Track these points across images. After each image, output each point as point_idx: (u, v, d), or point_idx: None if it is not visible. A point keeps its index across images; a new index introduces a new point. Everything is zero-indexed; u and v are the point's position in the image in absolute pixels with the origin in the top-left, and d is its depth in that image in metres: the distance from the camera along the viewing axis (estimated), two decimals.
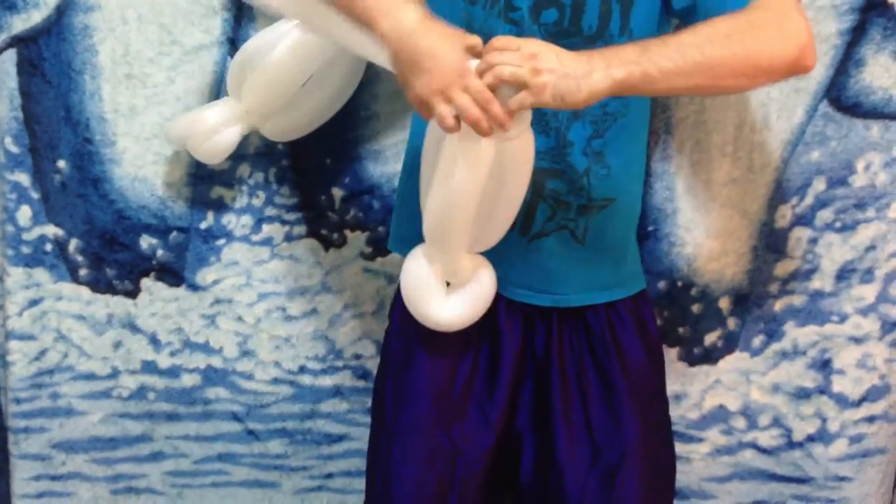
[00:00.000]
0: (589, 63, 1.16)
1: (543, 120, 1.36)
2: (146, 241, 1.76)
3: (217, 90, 1.70)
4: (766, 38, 1.21)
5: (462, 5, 1.28)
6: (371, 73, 1.66)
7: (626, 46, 1.20)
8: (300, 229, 1.78)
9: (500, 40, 1.18)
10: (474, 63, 1.18)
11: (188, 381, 1.83)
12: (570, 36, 1.33)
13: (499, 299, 1.45)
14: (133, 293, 1.78)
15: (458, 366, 1.50)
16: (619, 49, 1.20)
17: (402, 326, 1.48)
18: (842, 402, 1.82)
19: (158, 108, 1.70)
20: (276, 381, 1.85)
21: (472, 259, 1.37)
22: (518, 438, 1.53)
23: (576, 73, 1.15)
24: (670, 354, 1.81)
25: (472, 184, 1.24)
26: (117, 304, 1.78)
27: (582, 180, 1.39)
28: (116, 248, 1.76)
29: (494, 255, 1.39)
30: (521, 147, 1.25)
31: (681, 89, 1.22)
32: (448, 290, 1.38)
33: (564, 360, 1.50)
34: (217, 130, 1.61)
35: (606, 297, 1.49)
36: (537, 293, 1.46)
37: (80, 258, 1.75)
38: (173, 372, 1.83)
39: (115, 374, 1.81)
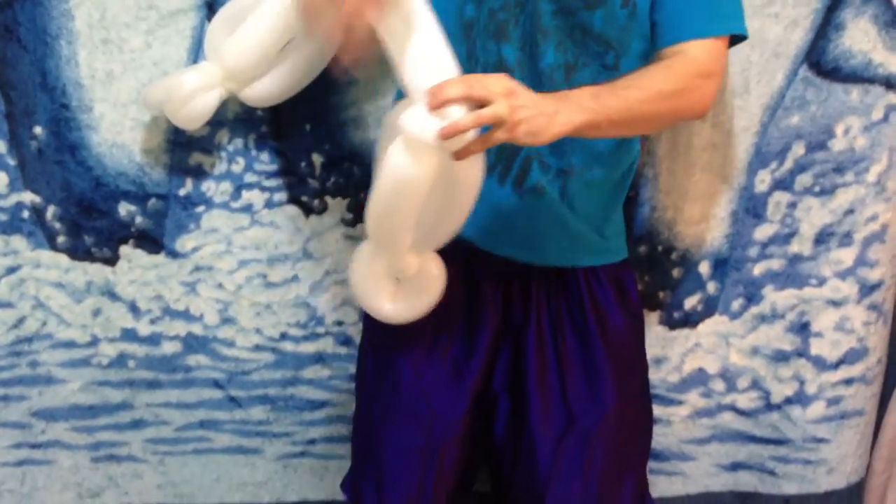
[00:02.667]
0: (555, 104, 1.19)
1: (539, 80, 1.37)
2: (124, 208, 1.75)
3: (195, 55, 1.68)
4: (687, 102, 1.32)
5: None
6: None
7: (582, 93, 1.24)
8: (280, 196, 1.77)
9: (469, 78, 1.18)
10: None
11: (169, 348, 1.83)
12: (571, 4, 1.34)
13: (479, 263, 1.47)
14: (112, 260, 1.77)
15: (437, 330, 1.51)
16: (577, 94, 1.23)
17: None
18: (820, 364, 1.84)
19: (136, 73, 1.68)
20: (257, 347, 1.84)
21: (419, 255, 1.36)
22: (494, 399, 1.55)
23: (546, 111, 1.18)
24: (650, 318, 1.82)
25: (412, 195, 1.22)
26: (96, 272, 1.77)
27: (565, 143, 1.37)
28: (94, 216, 1.74)
29: (484, 209, 1.38)
30: (470, 161, 1.23)
31: (611, 135, 1.34)
32: (396, 284, 1.38)
33: (542, 324, 1.51)
34: (195, 95, 1.59)
35: (587, 262, 1.51)
36: (520, 250, 1.47)
37: (57, 225, 1.74)
38: (153, 339, 1.82)
39: (94, 341, 1.80)
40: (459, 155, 1.19)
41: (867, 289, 1.80)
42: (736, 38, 1.40)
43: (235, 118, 1.72)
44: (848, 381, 1.85)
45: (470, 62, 1.39)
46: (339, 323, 1.84)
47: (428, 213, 1.28)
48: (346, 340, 1.84)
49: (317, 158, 1.76)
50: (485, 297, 1.51)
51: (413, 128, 1.17)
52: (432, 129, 1.15)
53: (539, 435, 1.51)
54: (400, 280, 1.38)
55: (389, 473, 1.53)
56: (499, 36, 1.37)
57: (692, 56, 1.32)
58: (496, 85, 1.16)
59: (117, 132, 1.71)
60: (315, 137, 1.74)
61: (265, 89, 1.63)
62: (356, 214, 1.79)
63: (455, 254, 1.42)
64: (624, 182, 1.53)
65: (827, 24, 1.68)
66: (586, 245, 1.50)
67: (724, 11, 1.36)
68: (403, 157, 1.19)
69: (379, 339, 1.56)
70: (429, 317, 1.48)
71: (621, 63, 1.38)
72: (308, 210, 1.78)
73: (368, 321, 1.59)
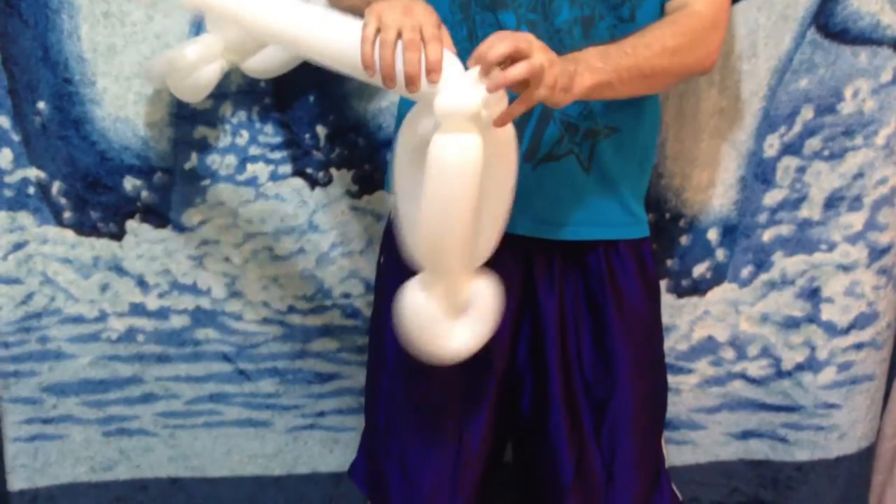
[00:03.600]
0: (573, 64, 1.20)
1: (557, 37, 1.35)
2: (130, 183, 1.75)
3: (197, 27, 1.67)
4: (694, 56, 1.34)
5: None
6: None
7: (590, 54, 1.24)
8: (285, 168, 1.77)
9: (502, 34, 1.16)
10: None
11: (177, 322, 1.83)
12: None
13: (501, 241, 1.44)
14: (118, 235, 1.77)
15: None
16: (585, 56, 1.23)
17: (396, 263, 1.45)
18: (830, 330, 1.83)
19: (138, 46, 1.67)
20: (265, 321, 1.84)
21: (470, 277, 1.30)
22: (520, 377, 1.53)
23: (568, 70, 1.19)
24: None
25: (468, 187, 1.17)
26: (103, 247, 1.77)
27: (591, 102, 1.38)
28: (100, 190, 1.74)
29: None
30: (504, 135, 1.20)
31: (623, 94, 1.32)
32: (453, 318, 1.30)
33: (565, 302, 1.48)
34: (198, 68, 1.58)
35: (608, 235, 1.47)
36: (539, 224, 1.44)
37: (63, 201, 1.74)
38: (162, 314, 1.82)
39: (103, 316, 1.81)
40: (501, 120, 1.16)
41: (877, 253, 1.79)
42: None
43: (239, 90, 1.72)
44: (858, 346, 1.84)
45: (471, 41, 1.38)
46: (347, 295, 1.84)
47: (477, 213, 1.22)
48: (353, 312, 1.84)
49: (321, 130, 1.75)
50: (505, 276, 1.44)
51: (456, 101, 1.13)
52: (478, 94, 1.13)
53: (559, 411, 1.49)
54: (456, 313, 1.30)
55: (417, 457, 1.51)
56: (494, 5, 1.36)
57: (696, 10, 1.34)
58: (531, 37, 1.16)
59: (120, 106, 1.71)
60: (319, 109, 1.74)
61: (268, 61, 1.62)
62: (361, 186, 1.78)
63: None
64: (650, 146, 1.51)
65: None
66: (608, 217, 1.46)
67: None
68: (451, 143, 1.14)
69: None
70: None
71: (637, 15, 1.36)
72: (313, 182, 1.78)
73: (384, 292, 1.55)
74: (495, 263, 1.44)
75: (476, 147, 1.15)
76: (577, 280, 1.48)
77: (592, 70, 1.22)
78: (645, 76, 1.29)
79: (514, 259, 1.47)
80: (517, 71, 1.13)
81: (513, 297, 1.48)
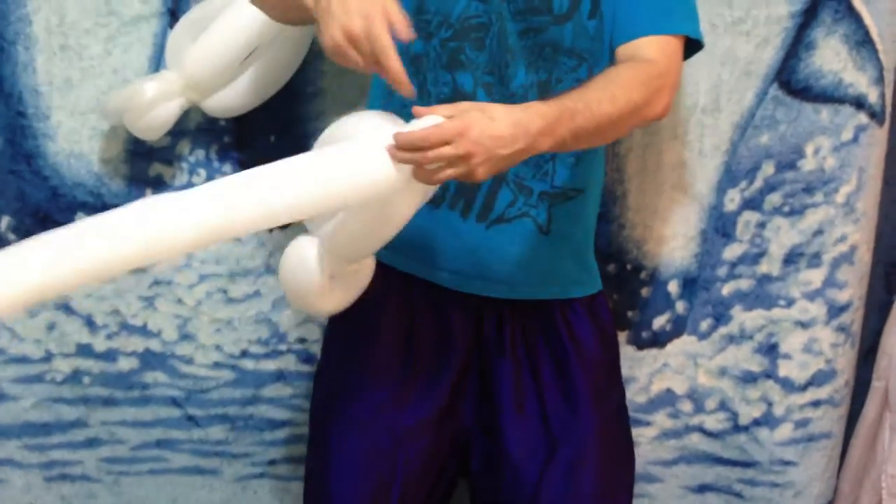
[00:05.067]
0: (517, 126, 1.15)
1: (513, 101, 1.33)
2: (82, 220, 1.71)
3: (156, 63, 1.66)
4: (652, 108, 1.30)
5: None
6: (317, 49, 1.63)
7: (550, 107, 1.19)
8: None
9: (423, 111, 1.14)
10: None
11: (125, 364, 1.79)
12: (539, 14, 1.33)
13: (448, 294, 1.43)
14: None
15: (401, 360, 1.47)
16: (544, 111, 1.18)
17: (343, 316, 1.41)
18: (788, 386, 1.83)
19: (95, 81, 1.65)
20: (217, 365, 1.81)
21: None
22: (465, 433, 1.51)
23: (506, 142, 1.14)
24: (619, 338, 1.80)
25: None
26: None
27: (547, 165, 1.37)
28: (50, 227, 1.66)
29: (447, 247, 1.38)
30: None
31: (572, 150, 1.30)
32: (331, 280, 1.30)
33: (517, 351, 1.46)
34: (156, 105, 1.57)
35: (564, 294, 1.46)
36: (492, 283, 1.42)
37: (12, 236, 1.69)
38: (110, 356, 1.78)
39: (48, 357, 1.76)
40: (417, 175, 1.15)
41: (835, 310, 1.80)
42: (692, 49, 1.38)
43: (197, 128, 1.70)
44: (815, 404, 1.84)
45: (421, 96, 1.36)
46: (302, 340, 1.81)
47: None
48: (308, 358, 1.81)
49: None
50: (452, 327, 1.46)
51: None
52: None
53: (522, 463, 1.47)
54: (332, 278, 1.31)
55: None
56: (452, 65, 1.35)
57: (648, 57, 1.31)
58: (449, 131, 1.11)
59: (75, 141, 1.68)
60: (279, 149, 1.70)
61: (228, 99, 1.61)
62: None
63: (426, 297, 1.43)
64: (597, 200, 1.51)
65: (798, 43, 1.68)
66: (564, 276, 1.46)
67: (678, 12, 1.35)
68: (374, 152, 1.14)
69: (338, 366, 1.52)
70: (392, 346, 1.45)
71: (595, 74, 1.36)
72: None
73: (327, 344, 1.56)
74: (447, 321, 1.45)
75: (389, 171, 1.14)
76: (534, 334, 1.47)
77: (550, 135, 1.18)
78: (603, 132, 1.26)
79: (463, 317, 1.46)
80: (428, 156, 1.11)
81: (458, 355, 1.47)
